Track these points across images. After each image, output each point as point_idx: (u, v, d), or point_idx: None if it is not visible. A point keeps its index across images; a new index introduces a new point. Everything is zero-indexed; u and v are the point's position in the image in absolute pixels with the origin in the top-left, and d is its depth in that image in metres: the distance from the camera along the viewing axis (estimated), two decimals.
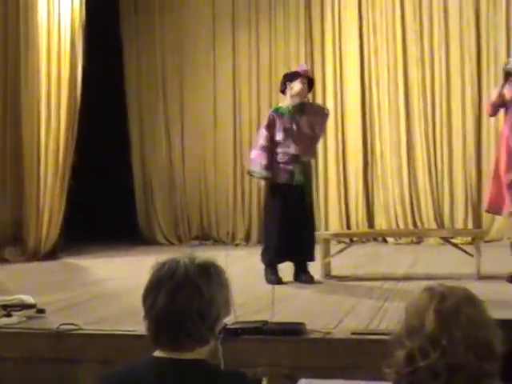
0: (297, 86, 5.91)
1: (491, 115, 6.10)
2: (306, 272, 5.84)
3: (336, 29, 9.86)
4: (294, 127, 5.88)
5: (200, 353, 1.84)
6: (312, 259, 5.88)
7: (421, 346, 1.53)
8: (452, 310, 1.55)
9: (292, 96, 5.94)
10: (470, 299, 1.60)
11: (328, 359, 3.48)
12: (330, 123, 9.72)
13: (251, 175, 6.16)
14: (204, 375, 1.82)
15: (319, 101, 9.88)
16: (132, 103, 10.53)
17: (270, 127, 5.87)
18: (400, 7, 9.60)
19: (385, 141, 9.71)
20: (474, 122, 9.26)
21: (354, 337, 3.50)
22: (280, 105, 6.13)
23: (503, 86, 5.60)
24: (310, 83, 6.05)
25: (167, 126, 10.44)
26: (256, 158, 5.88)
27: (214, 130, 10.28)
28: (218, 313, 1.82)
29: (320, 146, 9.63)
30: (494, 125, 8.82)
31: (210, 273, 1.81)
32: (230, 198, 10.19)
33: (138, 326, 1.88)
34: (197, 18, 10.28)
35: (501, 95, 5.64)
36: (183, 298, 1.77)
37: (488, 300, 1.71)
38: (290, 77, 6.05)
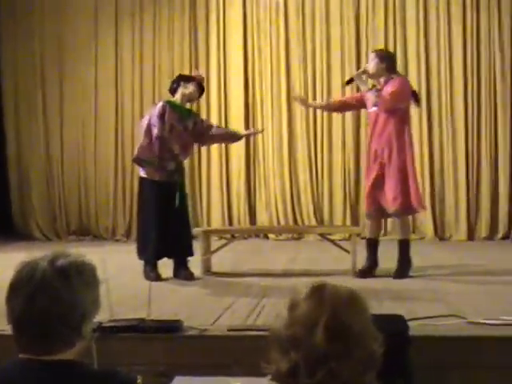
0: (191, 87, 5.89)
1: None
2: (186, 268, 5.82)
3: (220, 25, 9.89)
4: (181, 127, 5.83)
5: (68, 354, 1.80)
6: (191, 254, 5.87)
7: (307, 361, 1.49)
8: (342, 327, 1.51)
9: (184, 96, 5.91)
10: (359, 309, 1.56)
11: (204, 356, 3.47)
12: (214, 119, 9.75)
13: (140, 164, 5.93)
14: (72, 376, 1.78)
15: (203, 99, 9.87)
16: (8, 93, 10.14)
17: (163, 118, 5.77)
18: (283, 7, 9.74)
19: (267, 138, 9.83)
20: (353, 122, 9.52)
21: (231, 333, 3.51)
22: (172, 100, 6.02)
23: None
24: (200, 90, 6.05)
25: (46, 118, 10.13)
26: (151, 147, 5.74)
27: (95, 122, 10.06)
28: (83, 314, 1.78)
29: None
30: None
31: (70, 275, 1.77)
32: (111, 193, 10.01)
33: (7, 326, 1.81)
34: (78, 6, 10.02)
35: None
36: (41, 303, 1.74)
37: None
38: (185, 78, 6.02)
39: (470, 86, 9.47)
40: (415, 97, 5.86)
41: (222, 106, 9.86)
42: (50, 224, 10.01)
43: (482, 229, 9.38)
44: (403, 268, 5.69)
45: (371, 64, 5.75)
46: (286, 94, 9.75)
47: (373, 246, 5.81)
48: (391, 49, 9.54)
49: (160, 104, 5.91)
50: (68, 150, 10.08)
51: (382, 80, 5.73)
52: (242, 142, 9.78)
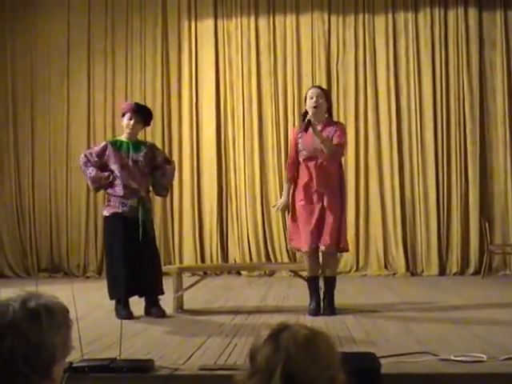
0: (125, 120, 5.87)
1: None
2: (157, 306, 5.76)
3: (193, 63, 9.98)
4: (131, 163, 5.81)
5: None
6: (161, 293, 5.81)
7: None
8: (297, 373, 1.54)
9: (125, 131, 5.92)
10: (315, 353, 1.57)
11: None
12: (186, 156, 9.81)
13: (101, 189, 6.01)
14: None
15: (175, 135, 9.94)
16: None
17: (102, 155, 5.80)
18: (255, 44, 9.87)
19: (239, 174, 9.87)
20: None
21: (202, 372, 3.47)
22: (118, 138, 6.06)
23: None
24: (145, 116, 5.97)
25: (17, 155, 10.08)
26: (95, 176, 5.78)
27: (66, 160, 10.04)
28: (52, 356, 1.76)
29: (176, 179, 9.65)
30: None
31: (40, 316, 1.75)
32: (83, 230, 9.95)
33: None
34: (50, 43, 10.05)
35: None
36: (8, 345, 1.71)
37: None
38: (122, 112, 5.99)
39: (439, 123, 9.63)
40: None
41: (194, 143, 9.91)
42: (20, 261, 9.90)
43: (453, 264, 9.46)
44: (332, 304, 5.72)
45: (319, 101, 5.68)
46: (258, 130, 9.83)
47: (317, 283, 5.82)
48: (362, 86, 9.71)
49: (103, 143, 5.96)
50: (39, 187, 10.02)
51: (320, 120, 5.73)
52: (214, 178, 9.83)
